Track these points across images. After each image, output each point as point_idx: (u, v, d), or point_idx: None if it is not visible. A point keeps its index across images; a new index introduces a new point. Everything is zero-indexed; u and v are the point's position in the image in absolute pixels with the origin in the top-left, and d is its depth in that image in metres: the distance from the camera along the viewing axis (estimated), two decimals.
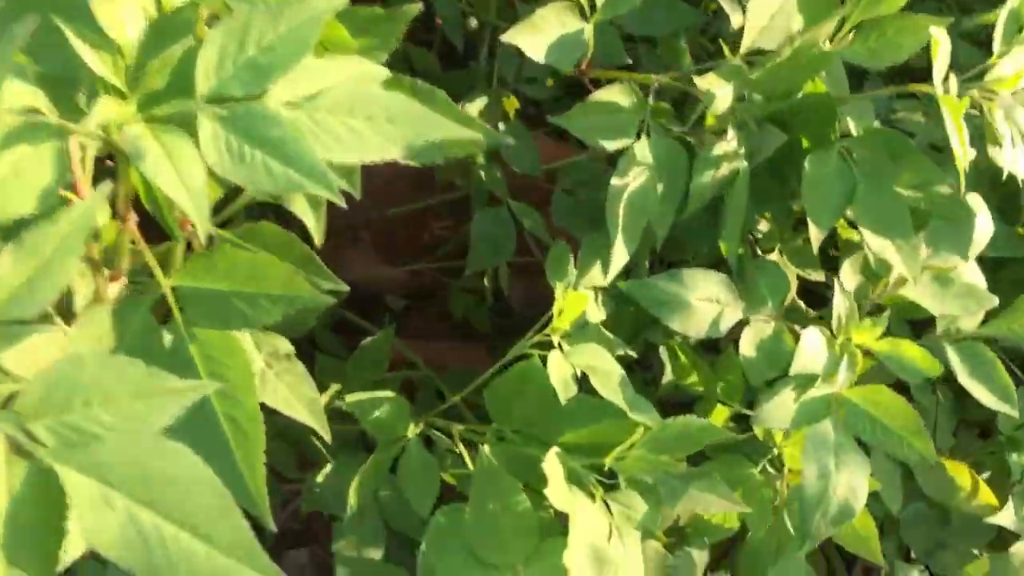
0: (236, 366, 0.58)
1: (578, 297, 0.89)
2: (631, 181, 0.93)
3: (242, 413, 0.57)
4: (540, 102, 1.61)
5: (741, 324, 0.99)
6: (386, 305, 1.55)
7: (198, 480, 0.44)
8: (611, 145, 0.92)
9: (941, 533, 1.21)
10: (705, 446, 0.91)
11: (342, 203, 0.52)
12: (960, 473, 1.15)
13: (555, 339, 0.92)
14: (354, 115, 0.53)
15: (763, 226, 1.11)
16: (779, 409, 0.92)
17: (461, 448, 0.98)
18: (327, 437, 0.75)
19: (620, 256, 0.93)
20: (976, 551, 1.20)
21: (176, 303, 0.59)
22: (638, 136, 0.95)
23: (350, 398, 0.91)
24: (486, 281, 1.31)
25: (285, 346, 0.76)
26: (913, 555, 1.23)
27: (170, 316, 0.59)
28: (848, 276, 1.03)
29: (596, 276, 0.98)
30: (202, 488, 0.44)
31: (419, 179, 1.45)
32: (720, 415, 1.04)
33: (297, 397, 0.73)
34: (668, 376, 1.13)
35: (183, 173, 0.51)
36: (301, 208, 0.60)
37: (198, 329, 0.58)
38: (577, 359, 0.91)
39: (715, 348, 1.24)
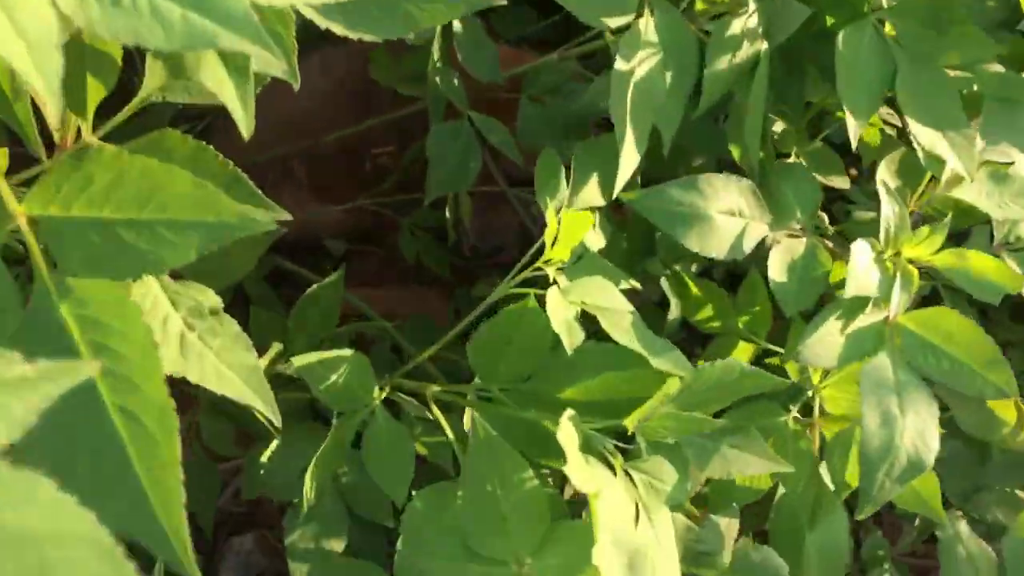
0: (132, 333, 0.38)
1: (579, 218, 0.71)
2: (637, 66, 0.75)
3: (143, 405, 0.38)
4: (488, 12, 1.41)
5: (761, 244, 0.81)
6: (325, 249, 1.35)
7: (65, 535, 0.25)
8: (613, 22, 0.73)
9: (980, 473, 1.06)
10: None
11: (291, 76, 0.34)
12: (1003, 407, 0.99)
13: (551, 273, 0.74)
14: None
15: (775, 126, 0.94)
16: (823, 344, 0.74)
17: (436, 413, 0.79)
18: (274, 417, 0.56)
19: (630, 160, 0.74)
20: (1020, 492, 1.06)
21: (36, 241, 0.39)
22: (638, 14, 0.76)
23: (298, 360, 0.72)
24: (447, 213, 1.12)
25: (211, 299, 0.57)
26: (949, 498, 1.08)
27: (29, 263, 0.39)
28: (886, 178, 0.86)
29: (593, 192, 0.79)
30: (75, 546, 0.25)
31: (354, 97, 1.25)
32: (743, 354, 0.86)
33: (230, 366, 0.54)
34: (674, 312, 0.95)
35: (23, 27, 0.32)
36: (216, 82, 0.40)
37: (73, 280, 0.39)
38: (579, 296, 0.72)
39: (712, 277, 1.06)
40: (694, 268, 1.00)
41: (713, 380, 0.68)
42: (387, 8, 0.45)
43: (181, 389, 1.04)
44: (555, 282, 0.73)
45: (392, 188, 1.24)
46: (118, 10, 0.32)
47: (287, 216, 0.55)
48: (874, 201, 1.01)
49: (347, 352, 0.74)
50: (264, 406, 0.54)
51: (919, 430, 0.72)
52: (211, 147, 0.54)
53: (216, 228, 0.38)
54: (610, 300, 0.73)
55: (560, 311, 0.70)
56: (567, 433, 0.63)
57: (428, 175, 0.98)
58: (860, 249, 0.74)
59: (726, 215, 0.78)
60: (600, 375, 0.71)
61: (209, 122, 1.40)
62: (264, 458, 0.90)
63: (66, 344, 0.37)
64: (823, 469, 0.84)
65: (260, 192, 0.55)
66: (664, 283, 0.97)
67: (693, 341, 1.05)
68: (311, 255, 1.38)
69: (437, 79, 1.00)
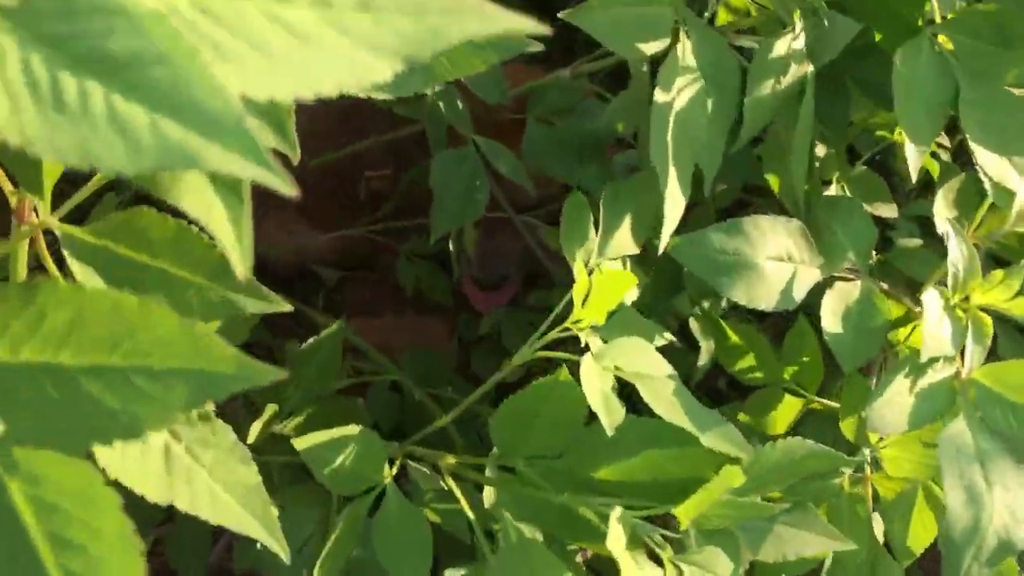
0: (102, 525, 0.29)
1: (619, 277, 0.62)
2: (676, 96, 0.66)
3: None
4: None
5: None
6: (317, 278, 1.26)
7: None
8: (649, 48, 0.64)
9: None
10: None
11: (286, 189, 0.25)
12: None
13: (583, 336, 0.65)
14: (325, 2, 0.25)
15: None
16: (891, 406, 0.66)
17: (453, 487, 0.71)
18: (281, 552, 0.47)
19: (675, 205, 0.65)
20: None
21: None
22: (674, 38, 0.67)
23: (299, 443, 0.63)
24: (451, 245, 1.03)
25: None
26: None
27: None
28: (942, 211, 0.78)
29: (625, 239, 0.71)
30: None
31: (347, 117, 1.15)
32: (790, 410, 0.78)
33: (226, 485, 0.46)
34: (704, 358, 0.87)
35: None
36: (200, 206, 0.30)
37: (24, 451, 0.30)
38: (614, 360, 0.64)
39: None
40: (724, 304, 0.91)
41: (773, 463, 0.59)
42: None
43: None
44: (587, 347, 0.65)
45: (388, 213, 1.15)
46: (62, 117, 0.23)
47: (286, 307, 0.46)
48: (917, 226, 0.93)
49: (354, 430, 0.65)
50: (267, 536, 0.45)
51: (1008, 506, 0.63)
52: (193, 228, 0.45)
53: (208, 379, 0.29)
54: (650, 365, 0.65)
55: (596, 383, 0.61)
56: (616, 537, 0.55)
57: (433, 209, 0.89)
58: (932, 302, 0.66)
59: (775, 261, 0.70)
60: (642, 453, 0.63)
61: None
62: None
63: (20, 538, 0.29)
64: (876, 525, 0.76)
65: (256, 282, 0.45)
66: (694, 324, 0.89)
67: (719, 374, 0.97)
68: (301, 282, 1.29)
69: (438, 102, 0.91)
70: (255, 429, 0.81)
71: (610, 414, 0.60)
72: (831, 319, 0.70)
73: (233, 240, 0.27)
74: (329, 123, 1.17)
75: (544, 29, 0.28)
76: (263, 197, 1.02)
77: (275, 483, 0.87)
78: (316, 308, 1.21)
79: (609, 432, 0.59)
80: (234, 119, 0.23)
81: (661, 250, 0.66)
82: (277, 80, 0.26)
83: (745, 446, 0.60)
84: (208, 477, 0.45)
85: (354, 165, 1.13)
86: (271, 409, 0.81)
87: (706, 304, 0.90)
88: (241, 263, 0.26)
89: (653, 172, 0.66)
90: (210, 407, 0.48)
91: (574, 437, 0.65)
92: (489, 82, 0.93)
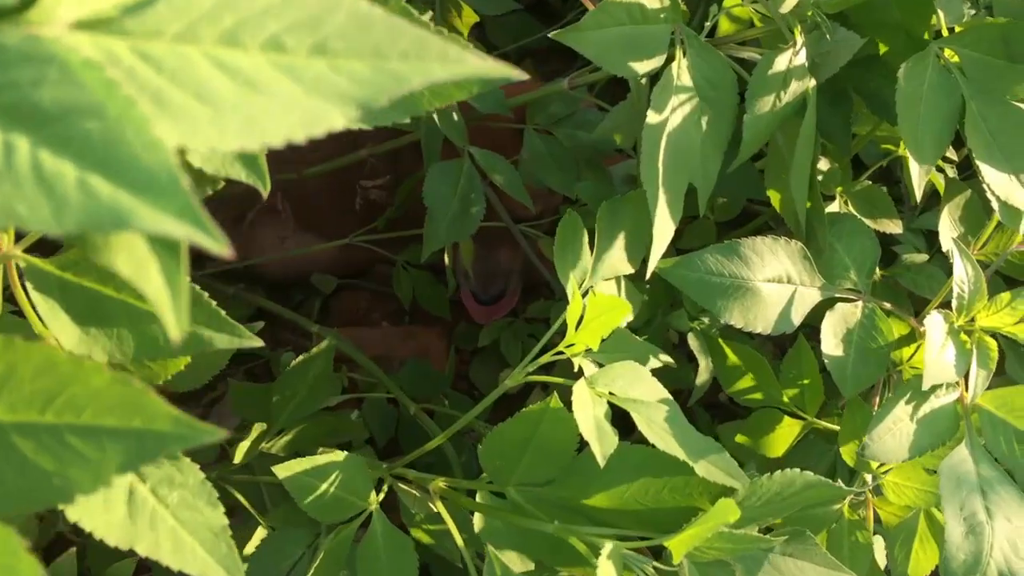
0: None
1: (613, 304, 0.60)
2: (669, 116, 0.64)
3: None
4: (482, 21, 1.30)
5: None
6: (312, 287, 1.24)
7: None
8: (642, 67, 0.63)
9: None
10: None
11: (223, 250, 0.23)
12: None
13: (576, 361, 0.63)
14: (278, 46, 0.24)
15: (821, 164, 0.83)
16: (893, 435, 0.64)
17: (442, 511, 0.69)
18: None
19: (665, 229, 0.64)
20: None
21: None
22: (669, 56, 0.65)
23: (281, 471, 0.61)
24: (446, 258, 1.01)
25: None
26: None
27: None
28: (947, 229, 0.76)
29: (619, 259, 0.69)
30: None
31: None
32: (789, 433, 0.76)
33: (192, 529, 0.44)
34: (703, 375, 0.85)
35: None
36: (132, 266, 0.28)
37: None
38: (608, 385, 0.62)
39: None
40: (723, 320, 0.89)
41: (771, 494, 0.57)
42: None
43: None
44: (580, 372, 0.63)
45: (387, 222, 1.13)
46: None
47: (257, 342, 0.45)
48: (923, 240, 0.91)
49: (339, 456, 0.63)
50: None
51: (1010, 538, 0.61)
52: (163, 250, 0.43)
53: (145, 438, 0.28)
54: (644, 390, 0.63)
55: (588, 410, 0.59)
56: (606, 571, 0.53)
57: (427, 225, 0.87)
58: (935, 327, 0.64)
59: (773, 283, 0.68)
60: (635, 481, 0.61)
61: None
62: (249, 549, 0.79)
63: None
64: (878, 551, 0.74)
65: (222, 314, 0.44)
66: (692, 341, 0.87)
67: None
68: (298, 291, 1.28)
69: (433, 114, 0.89)
70: (242, 448, 0.80)
71: (602, 443, 0.58)
72: (831, 342, 0.68)
73: (167, 301, 0.25)
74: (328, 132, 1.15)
75: (519, 74, 0.26)
76: (254, 204, 1.00)
77: (265, 503, 0.85)
78: (311, 318, 1.20)
79: (601, 462, 0.57)
80: (168, 176, 0.22)
81: (648, 274, 0.65)
82: (222, 130, 0.24)
83: (740, 476, 0.58)
84: (173, 520, 0.43)
85: (351, 175, 1.11)
86: (259, 428, 0.80)
87: (705, 320, 0.88)
88: (175, 326, 0.24)
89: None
90: None
91: (566, 464, 0.63)
92: (486, 92, 0.91)
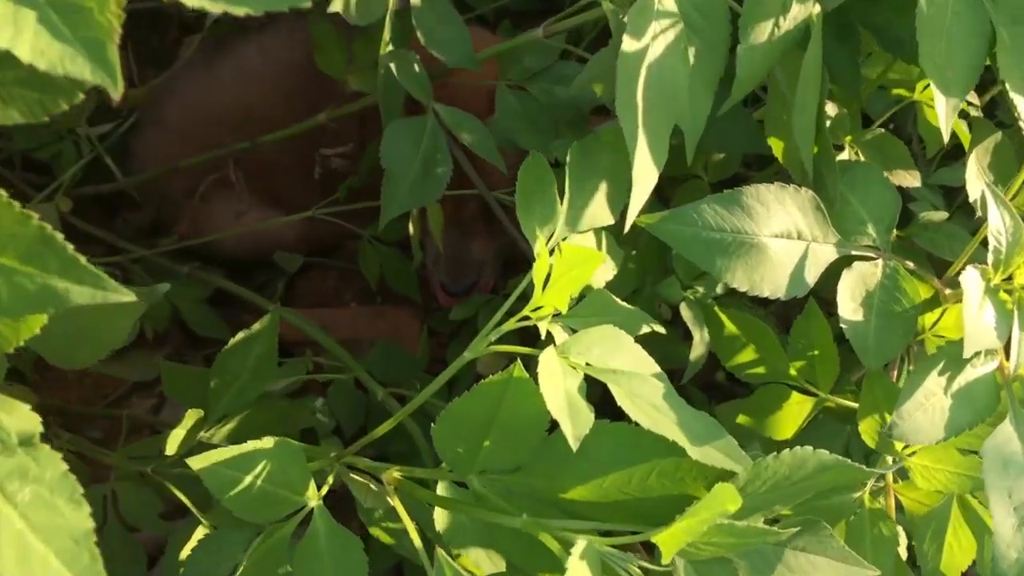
0: None
1: (583, 254, 0.50)
2: (650, 44, 0.54)
3: None
4: None
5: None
6: (275, 266, 1.14)
7: None
8: None
9: None
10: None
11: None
12: None
13: (543, 326, 0.54)
14: None
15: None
16: (925, 411, 0.55)
17: (398, 506, 0.59)
18: None
19: (645, 175, 0.54)
20: None
21: None
22: None
23: (197, 462, 0.52)
24: (411, 227, 0.91)
25: (23, 421, 0.36)
26: None
27: None
28: (975, 176, 0.66)
29: (599, 209, 0.59)
30: None
31: (302, 89, 1.04)
32: (798, 411, 0.66)
33: (47, 534, 0.34)
34: (698, 349, 0.76)
35: None
36: None
37: None
38: (584, 355, 0.52)
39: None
40: (719, 289, 0.80)
41: (779, 478, 0.48)
42: None
43: (88, 458, 0.84)
44: (549, 338, 0.53)
45: (354, 193, 1.04)
46: None
47: (126, 296, 0.35)
48: (940, 197, 0.82)
49: (266, 443, 0.53)
50: None
51: None
52: (5, 197, 0.34)
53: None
54: (627, 359, 0.53)
55: (557, 383, 0.49)
56: (578, 571, 0.43)
57: (384, 188, 0.77)
58: (972, 283, 0.54)
59: (782, 239, 0.58)
60: (617, 467, 0.51)
61: (135, 117, 1.19)
62: (184, 553, 0.70)
63: None
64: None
65: (82, 262, 0.34)
66: (685, 312, 0.77)
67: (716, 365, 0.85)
68: (262, 270, 1.18)
69: (391, 65, 0.80)
70: (176, 437, 0.70)
71: (575, 422, 0.48)
72: (850, 306, 0.59)
73: None
74: (283, 98, 1.05)
75: None
76: (213, 183, 0.90)
77: (209, 499, 0.76)
78: (275, 299, 1.10)
79: (573, 444, 0.48)
80: None
81: (627, 227, 0.55)
82: None
83: (741, 457, 0.48)
84: (21, 522, 0.34)
85: (311, 142, 1.01)
86: (194, 414, 0.70)
87: (699, 289, 0.78)
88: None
89: None
90: (35, 428, 0.36)
91: (536, 447, 0.53)
92: (453, 43, 0.81)
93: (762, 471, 0.47)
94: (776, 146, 0.68)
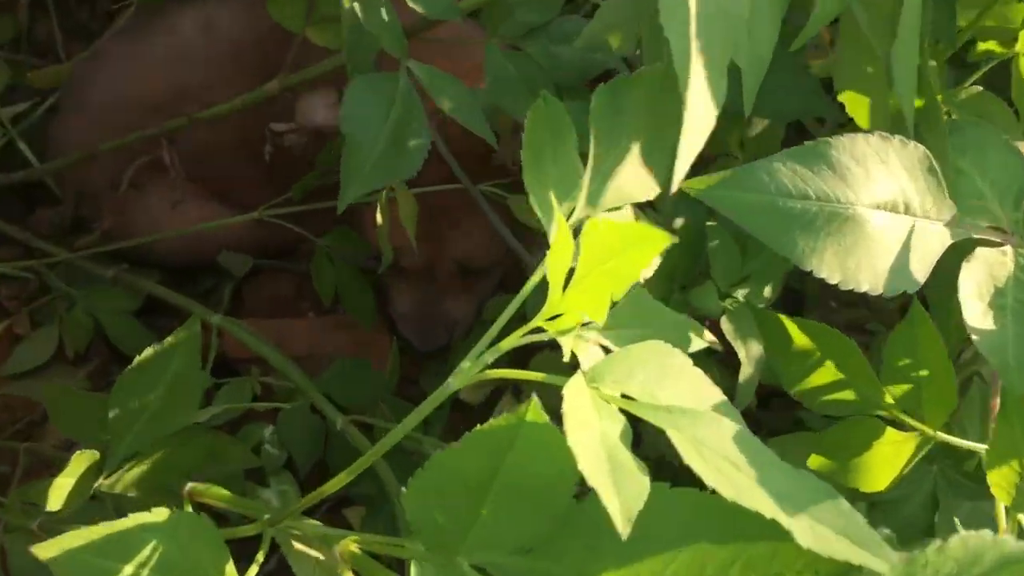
0: None
1: (633, 235, 0.33)
2: None
3: None
4: None
5: None
6: (220, 269, 0.96)
7: None
8: None
9: None
10: None
11: None
12: None
13: (565, 344, 0.37)
14: None
15: None
16: None
17: None
18: None
19: (701, 116, 0.37)
20: None
21: None
22: None
23: (43, 550, 0.34)
24: (379, 216, 0.74)
25: None
26: None
27: None
28: None
29: (634, 173, 0.42)
30: None
31: (249, 63, 0.87)
32: (892, 454, 0.50)
33: None
34: (747, 371, 0.59)
35: None
36: None
37: None
38: (621, 383, 0.36)
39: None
40: (767, 293, 0.64)
41: None
42: None
43: None
44: (574, 362, 0.36)
45: (302, 191, 0.87)
46: None
47: None
48: None
49: (158, 516, 0.36)
50: None
51: None
52: None
53: None
54: (683, 389, 0.37)
55: (591, 429, 0.33)
56: None
57: (344, 161, 0.60)
58: None
59: (883, 212, 0.42)
60: (681, 550, 0.34)
61: (54, 100, 1.02)
62: None
63: None
64: None
65: None
66: (726, 325, 0.61)
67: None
68: (208, 276, 1.00)
69: (356, 8, 0.63)
70: (61, 487, 0.53)
71: (622, 489, 0.31)
72: (977, 307, 0.42)
73: None
74: (225, 73, 0.88)
75: None
76: (144, 169, 0.72)
77: None
78: (221, 308, 0.93)
79: (621, 525, 0.31)
80: None
81: (674, 188, 0.38)
82: None
83: (880, 548, 0.32)
84: None
85: (259, 120, 0.84)
86: (86, 458, 0.53)
87: (739, 297, 0.62)
88: None
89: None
90: None
91: (558, 519, 0.36)
92: None
93: (917, 570, 0.30)
94: (853, 103, 0.52)
